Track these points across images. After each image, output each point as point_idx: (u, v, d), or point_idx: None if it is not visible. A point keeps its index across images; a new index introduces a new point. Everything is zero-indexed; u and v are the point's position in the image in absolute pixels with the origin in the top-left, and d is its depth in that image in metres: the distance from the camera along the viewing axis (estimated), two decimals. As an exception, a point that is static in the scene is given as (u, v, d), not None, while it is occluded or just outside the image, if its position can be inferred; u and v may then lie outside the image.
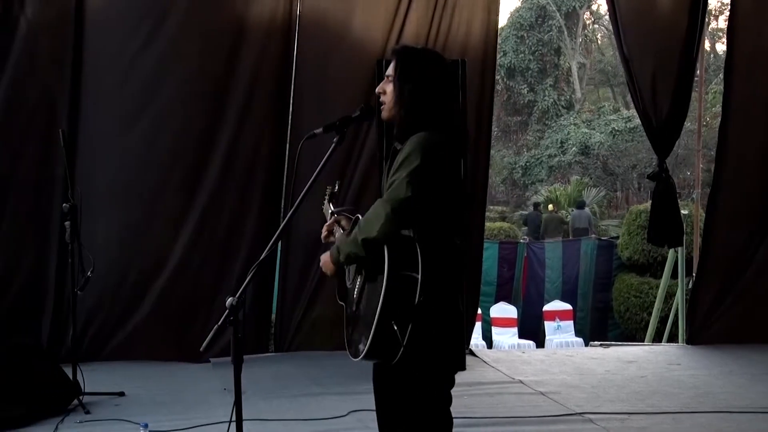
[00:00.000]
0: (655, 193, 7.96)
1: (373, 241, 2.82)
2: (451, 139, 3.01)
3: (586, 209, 21.16)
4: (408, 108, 3.02)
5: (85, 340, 6.93)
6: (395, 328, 2.77)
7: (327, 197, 3.55)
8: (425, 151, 2.88)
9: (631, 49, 7.73)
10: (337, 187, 3.53)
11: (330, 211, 3.42)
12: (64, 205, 5.61)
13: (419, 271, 2.81)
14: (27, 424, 5.10)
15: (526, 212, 21.89)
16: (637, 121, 26.78)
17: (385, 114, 3.12)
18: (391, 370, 2.92)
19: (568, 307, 14.16)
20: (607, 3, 8.02)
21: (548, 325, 13.95)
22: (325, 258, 3.07)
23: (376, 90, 3.14)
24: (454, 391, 3.08)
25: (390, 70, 3.11)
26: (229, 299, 2.77)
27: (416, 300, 2.79)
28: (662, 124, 7.70)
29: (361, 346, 2.87)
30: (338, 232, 3.26)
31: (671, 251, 9.11)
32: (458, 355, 3.28)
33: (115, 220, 7.12)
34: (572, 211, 21.39)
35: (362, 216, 2.98)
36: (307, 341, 7.54)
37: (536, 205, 22.04)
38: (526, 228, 21.01)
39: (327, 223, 3.31)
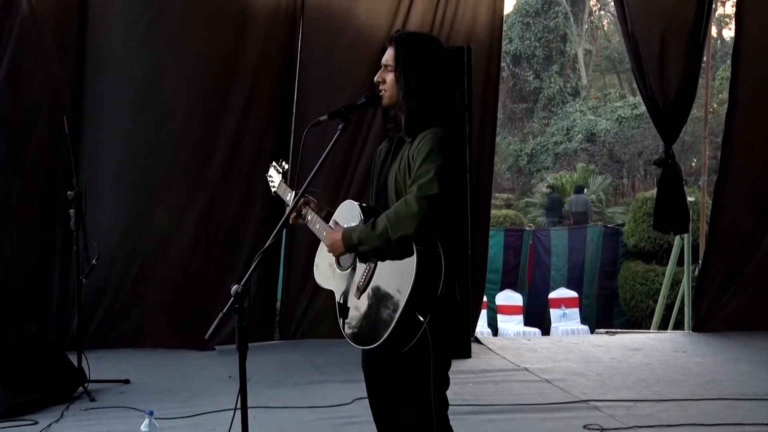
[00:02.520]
0: (662, 179, 7.93)
1: (408, 238, 2.82)
2: (456, 133, 3.03)
3: (585, 194, 21.20)
4: (417, 101, 3.01)
5: (90, 327, 6.94)
6: (420, 318, 2.80)
7: (277, 172, 3.52)
8: (445, 148, 2.90)
9: (637, 33, 7.66)
10: (287, 166, 3.50)
11: (290, 192, 3.39)
12: (68, 192, 5.62)
13: (442, 264, 2.83)
14: (32, 412, 5.13)
15: (548, 194, 21.79)
16: (644, 108, 26.72)
17: (385, 102, 3.11)
18: (392, 357, 2.94)
19: (573, 294, 14.17)
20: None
21: (554, 313, 13.96)
22: (335, 240, 3.03)
23: (375, 79, 3.12)
24: (459, 379, 3.09)
25: (389, 59, 3.09)
26: (234, 287, 2.77)
27: (439, 291, 2.82)
28: (669, 110, 7.66)
29: (375, 334, 2.87)
30: (311, 214, 3.22)
31: (677, 238, 9.10)
32: (456, 341, 3.28)
33: (120, 207, 7.13)
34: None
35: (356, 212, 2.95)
36: (311, 329, 7.55)
37: (554, 188, 22.04)
38: (547, 211, 20.99)
39: (297, 204, 3.20)
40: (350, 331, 3.01)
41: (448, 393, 3.07)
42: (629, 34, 7.75)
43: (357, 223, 3.05)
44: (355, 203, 3.15)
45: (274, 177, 3.55)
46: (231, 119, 7.24)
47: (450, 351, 3.06)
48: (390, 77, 3.07)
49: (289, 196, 3.39)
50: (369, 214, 3.04)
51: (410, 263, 2.82)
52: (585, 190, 21.57)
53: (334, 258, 3.14)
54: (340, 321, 3.06)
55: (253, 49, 7.27)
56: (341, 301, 3.07)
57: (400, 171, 3.01)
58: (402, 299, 2.80)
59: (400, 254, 2.85)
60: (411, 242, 2.82)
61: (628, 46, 7.93)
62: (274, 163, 3.58)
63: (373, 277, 2.95)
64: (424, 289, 2.81)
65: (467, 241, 6.53)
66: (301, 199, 3.22)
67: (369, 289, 2.95)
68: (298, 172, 3.44)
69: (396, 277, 2.86)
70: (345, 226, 3.10)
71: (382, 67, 3.11)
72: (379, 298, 2.91)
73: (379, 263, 2.94)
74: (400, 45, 3.08)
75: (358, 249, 2.96)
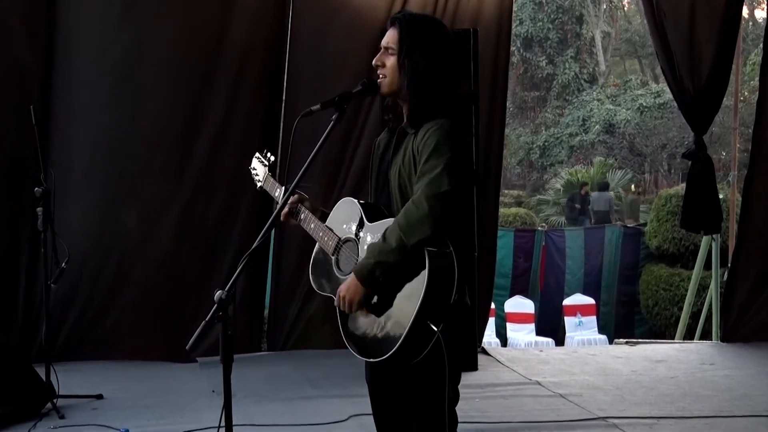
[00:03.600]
0: (691, 173, 7.92)
1: (426, 242, 2.78)
2: (463, 124, 3.02)
3: (610, 192, 21.17)
4: (423, 89, 3.00)
5: (59, 337, 6.94)
6: (433, 327, 2.79)
7: (262, 165, 3.52)
8: (453, 140, 2.89)
9: (663, 8, 7.61)
10: (273, 158, 3.49)
11: (278, 187, 3.38)
12: (36, 189, 5.61)
13: (455, 268, 2.82)
14: (-4, 430, 5.13)
15: (594, 194, 21.60)
16: (668, 96, 26.78)
17: (385, 89, 3.09)
18: (400, 370, 2.93)
19: (590, 301, 14.19)
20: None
21: (569, 321, 13.98)
22: (349, 285, 2.90)
23: (374, 62, 3.10)
24: (465, 394, 3.09)
25: (390, 42, 3.06)
26: (218, 293, 2.76)
27: (452, 298, 2.82)
28: (699, 96, 7.61)
29: (385, 346, 2.86)
30: (304, 213, 3.22)
31: (704, 239, 9.09)
32: (466, 352, 3.28)
33: (92, 205, 7.12)
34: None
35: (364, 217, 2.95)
36: (303, 339, 7.56)
37: (605, 185, 21.77)
38: (591, 211, 20.84)
39: (290, 201, 3.20)
40: (355, 342, 2.99)
41: (454, 410, 3.07)
42: (654, 11, 7.70)
43: (357, 223, 3.04)
44: (355, 201, 3.13)
45: (259, 170, 3.54)
46: (214, 109, 7.24)
47: (460, 363, 3.05)
48: (391, 61, 3.05)
49: (278, 192, 3.37)
50: (371, 212, 3.03)
51: (422, 267, 2.80)
52: (609, 189, 21.47)
53: (333, 260, 3.12)
54: (343, 332, 3.04)
55: (238, 32, 7.27)
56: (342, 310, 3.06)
57: (405, 165, 2.99)
58: (413, 307, 2.79)
59: (414, 259, 2.82)
60: (426, 246, 2.80)
61: (652, 24, 7.87)
62: (257, 155, 3.58)
63: (385, 287, 2.91)
64: (438, 296, 2.80)
65: (474, 243, 6.54)
66: (293, 196, 3.21)
67: (375, 296, 2.92)
68: (288, 167, 3.43)
69: (406, 282, 2.85)
70: (344, 227, 3.09)
71: (382, 50, 3.09)
72: (387, 305, 2.90)
73: None
74: (405, 26, 3.06)
75: (377, 276, 2.84)
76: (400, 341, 2.80)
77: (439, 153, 2.85)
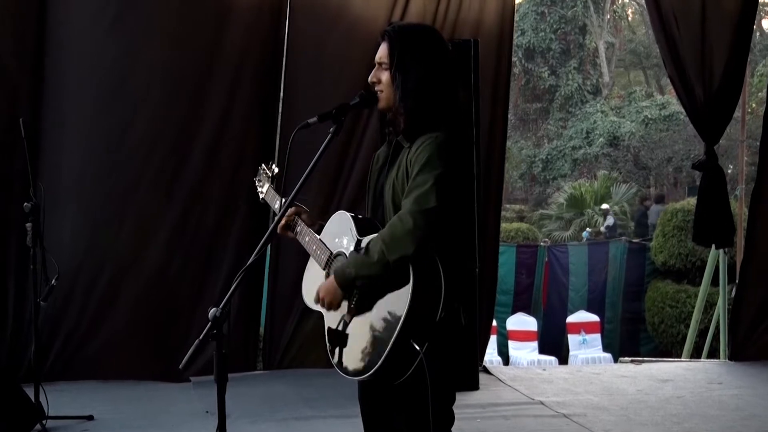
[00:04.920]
0: (702, 185, 7.89)
1: (408, 259, 2.80)
2: (459, 137, 3.02)
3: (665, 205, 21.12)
4: (415, 103, 3.00)
5: (48, 356, 6.91)
6: (416, 346, 2.79)
7: (266, 177, 3.54)
8: (446, 155, 2.89)
9: (672, 11, 7.57)
10: (276, 169, 3.50)
11: (278, 199, 3.39)
12: (25, 204, 5.59)
13: (442, 285, 2.82)
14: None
15: (647, 204, 21.47)
16: (674, 107, 26.92)
17: (382, 104, 3.11)
18: (389, 389, 2.93)
19: (594, 318, 14.19)
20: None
21: (572, 339, 13.98)
22: (329, 286, 2.98)
23: (369, 79, 3.12)
24: (465, 414, 3.09)
25: (382, 57, 3.09)
26: (212, 310, 2.76)
27: (438, 316, 2.81)
28: (711, 104, 7.57)
29: (366, 364, 2.87)
30: (300, 226, 3.23)
31: (711, 254, 9.10)
32: (463, 370, 3.27)
33: (83, 220, 7.11)
34: (648, 204, 21.30)
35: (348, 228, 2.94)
36: (300, 358, 7.54)
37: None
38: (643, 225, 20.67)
39: (287, 214, 3.23)
40: (339, 359, 3.01)
41: (453, 430, 3.06)
42: (662, 18, 7.65)
43: (349, 237, 3.05)
44: (348, 215, 3.14)
45: (263, 181, 3.56)
46: (209, 119, 7.24)
47: (454, 383, 3.05)
48: (385, 76, 3.07)
49: (278, 204, 3.39)
50: (363, 226, 3.04)
51: (405, 284, 2.81)
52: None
53: (324, 275, 3.12)
54: (329, 348, 3.06)
55: (234, 41, 7.27)
56: (330, 326, 3.07)
57: (398, 179, 3.00)
58: (396, 325, 2.80)
59: (398, 275, 2.84)
60: (408, 263, 2.81)
61: (660, 31, 7.77)
62: (262, 166, 3.59)
63: (365, 299, 2.94)
64: (421, 314, 2.80)
65: (474, 259, 6.54)
66: (291, 209, 3.22)
67: (360, 313, 2.95)
68: (284, 180, 3.44)
69: (389, 299, 2.86)
70: (336, 241, 3.10)
71: (377, 66, 3.12)
72: (371, 323, 2.91)
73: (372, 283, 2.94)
74: (394, 39, 3.08)
75: (356, 284, 2.92)
76: (381, 359, 2.82)
77: (430, 168, 2.86)
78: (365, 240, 2.96)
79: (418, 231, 2.79)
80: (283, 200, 3.28)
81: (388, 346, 2.80)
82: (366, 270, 2.87)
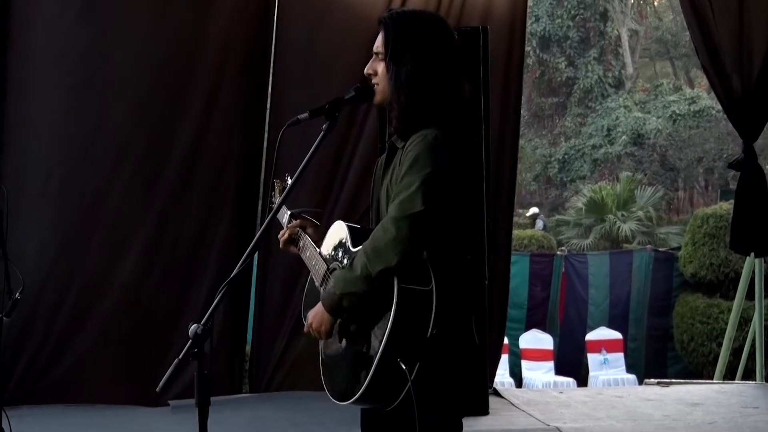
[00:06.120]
0: (739, 186, 7.87)
1: (391, 271, 2.80)
2: (461, 135, 3.00)
3: None
4: (409, 97, 3.01)
5: (12, 378, 6.93)
6: (402, 366, 2.78)
7: (278, 192, 3.57)
8: (436, 154, 2.88)
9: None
10: (290, 181, 3.51)
11: (287, 213, 3.42)
12: (-14, 210, 5.60)
13: (433, 298, 2.82)
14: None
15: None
16: (704, 102, 26.97)
17: (378, 98, 3.13)
18: (388, 416, 2.94)
19: (617, 335, 14.17)
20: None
21: (592, 359, 13.96)
22: (317, 314, 2.99)
23: (365, 71, 3.14)
24: (474, 442, 3.09)
25: (378, 46, 3.10)
26: (193, 326, 2.77)
27: (429, 333, 2.81)
28: (749, 95, 7.56)
29: (353, 387, 2.89)
30: (303, 240, 3.26)
31: (746, 264, 9.08)
32: (471, 395, 3.27)
33: (51, 227, 7.12)
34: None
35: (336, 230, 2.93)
36: (289, 379, 7.55)
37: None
38: None
39: (289, 227, 3.28)
40: (328, 381, 3.05)
41: (460, 459, 3.07)
42: (694, 1, 7.62)
43: (344, 250, 3.07)
44: (344, 225, 3.16)
45: (277, 195, 3.58)
46: (190, 117, 7.26)
47: (460, 407, 3.05)
48: (381, 67, 3.09)
49: (285, 218, 3.41)
50: (359, 237, 3.05)
51: (390, 299, 2.81)
52: None
53: (321, 291, 3.13)
54: (321, 370, 3.10)
55: (217, 30, 7.30)
56: (322, 346, 3.10)
57: (392, 184, 3.00)
58: (380, 343, 2.80)
59: (384, 288, 2.83)
60: (393, 275, 2.81)
61: (692, 17, 7.77)
62: (275, 180, 3.60)
63: (353, 318, 2.95)
64: (407, 331, 2.80)
65: (484, 270, 6.54)
66: (296, 221, 3.25)
67: (348, 331, 2.97)
68: (273, 183, 3.45)
69: (374, 315, 2.86)
70: (333, 254, 3.13)
71: (373, 56, 3.13)
72: (357, 341, 2.93)
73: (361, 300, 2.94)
74: (390, 27, 3.09)
75: (344, 306, 2.90)
76: (366, 381, 2.82)
77: (417, 168, 2.85)
78: (355, 251, 2.97)
79: (402, 240, 2.78)
80: (289, 213, 3.31)
81: (373, 366, 2.80)
82: (350, 287, 2.87)
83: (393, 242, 2.78)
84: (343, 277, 2.89)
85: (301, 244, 3.27)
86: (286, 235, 3.26)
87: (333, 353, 3.04)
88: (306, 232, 3.28)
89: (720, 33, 7.54)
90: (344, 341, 2.98)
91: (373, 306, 2.86)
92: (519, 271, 13.95)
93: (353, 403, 2.90)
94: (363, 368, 2.85)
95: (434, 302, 2.81)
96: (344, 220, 3.22)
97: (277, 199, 3.48)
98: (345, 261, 3.04)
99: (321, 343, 3.09)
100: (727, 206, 13.95)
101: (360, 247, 2.94)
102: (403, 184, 2.85)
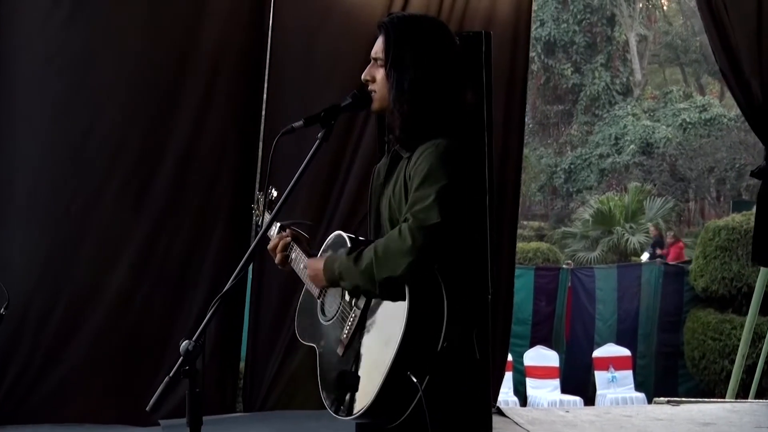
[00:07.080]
0: (761, 194, 7.88)
1: (396, 280, 2.81)
2: (468, 143, 3.01)
3: None
4: (411, 105, 3.01)
5: (-3, 396, 6.93)
6: (413, 380, 2.78)
7: (262, 205, 3.55)
8: (450, 165, 2.89)
9: (725, 1, 7.54)
10: (275, 193, 3.51)
11: (277, 225, 3.41)
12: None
13: (445, 310, 2.82)
14: None
15: None
16: (716, 110, 27.03)
17: (376, 105, 3.13)
18: (385, 430, 2.93)
19: (625, 352, 14.17)
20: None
21: (600, 376, 13.96)
22: (317, 269, 3.08)
23: (363, 77, 3.14)
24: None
25: (378, 51, 3.10)
26: (185, 342, 2.76)
27: (439, 346, 2.81)
28: None
29: (357, 401, 2.88)
30: (295, 252, 3.26)
31: (760, 278, 9.08)
32: (476, 413, 3.26)
33: (37, 238, 7.11)
34: None
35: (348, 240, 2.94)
36: (285, 398, 7.53)
37: None
38: None
39: (281, 242, 3.28)
40: (329, 396, 3.02)
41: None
42: (711, 3, 7.58)
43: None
44: (344, 235, 3.17)
45: (260, 206, 3.56)
46: (182, 124, 7.25)
47: (463, 426, 3.04)
48: (380, 74, 3.09)
49: (273, 230, 3.40)
50: (357, 247, 3.05)
51: (401, 309, 2.81)
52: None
53: (318, 304, 3.14)
54: (320, 384, 3.08)
55: (211, 34, 7.29)
56: (321, 360, 3.08)
57: (395, 195, 3.01)
58: (389, 355, 2.79)
59: (390, 296, 2.85)
60: (403, 284, 2.82)
61: (709, 19, 7.72)
62: (258, 193, 3.60)
63: (359, 328, 2.95)
64: (419, 343, 2.80)
65: (487, 284, 6.53)
66: (286, 231, 3.24)
67: (354, 344, 2.96)
68: (267, 193, 3.45)
69: (384, 326, 2.86)
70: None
71: (371, 62, 3.13)
72: (364, 354, 2.92)
73: (365, 309, 2.95)
74: (391, 32, 3.08)
75: (340, 284, 2.99)
76: (375, 393, 2.81)
77: (432, 180, 2.86)
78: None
79: (416, 250, 2.78)
80: (278, 225, 3.31)
81: (382, 378, 2.79)
82: (349, 274, 2.93)
83: (407, 250, 2.79)
84: (347, 265, 2.94)
85: (293, 256, 3.27)
86: (280, 256, 3.26)
87: (335, 365, 3.03)
88: (299, 246, 3.28)
89: (737, 37, 7.53)
90: (347, 352, 2.97)
91: (382, 316, 2.87)
92: (523, 285, 13.97)
93: (357, 417, 2.89)
94: (369, 381, 2.84)
95: (446, 315, 2.82)
96: (343, 231, 3.23)
97: (264, 214, 3.49)
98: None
99: (320, 355, 3.09)
100: (739, 218, 13.97)
101: (372, 244, 2.95)
102: (418, 195, 2.85)
